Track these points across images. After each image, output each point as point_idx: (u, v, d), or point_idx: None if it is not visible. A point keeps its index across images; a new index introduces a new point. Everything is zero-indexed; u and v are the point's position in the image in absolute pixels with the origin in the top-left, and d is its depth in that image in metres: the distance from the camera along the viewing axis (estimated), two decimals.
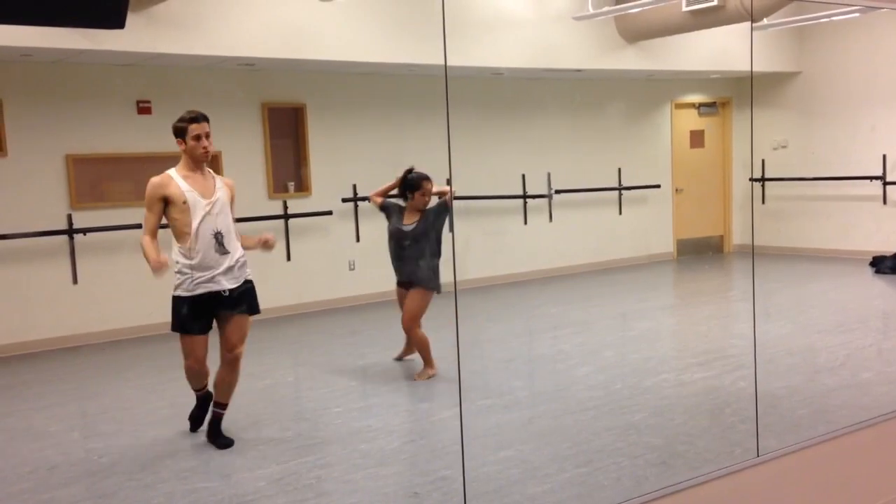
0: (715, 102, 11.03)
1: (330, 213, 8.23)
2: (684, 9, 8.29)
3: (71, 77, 6.88)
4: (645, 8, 7.93)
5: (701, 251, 11.11)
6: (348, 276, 8.41)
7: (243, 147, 7.80)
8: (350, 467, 4.01)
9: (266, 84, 7.86)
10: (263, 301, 7.78)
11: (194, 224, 4.06)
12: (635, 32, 8.85)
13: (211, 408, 4.37)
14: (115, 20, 2.46)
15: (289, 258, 8.10)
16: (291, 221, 8.06)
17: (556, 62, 8.47)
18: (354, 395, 5.19)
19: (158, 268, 3.96)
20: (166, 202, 4.09)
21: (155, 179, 4.12)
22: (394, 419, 4.72)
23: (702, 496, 3.03)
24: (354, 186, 8.41)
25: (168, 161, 7.52)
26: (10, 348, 6.64)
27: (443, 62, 8.37)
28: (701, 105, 10.95)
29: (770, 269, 9.35)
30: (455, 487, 3.73)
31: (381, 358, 6.05)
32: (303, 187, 8.22)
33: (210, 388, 4.35)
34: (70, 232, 6.87)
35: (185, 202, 4.07)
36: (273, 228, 7.99)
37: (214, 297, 4.14)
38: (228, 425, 4.65)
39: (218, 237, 4.13)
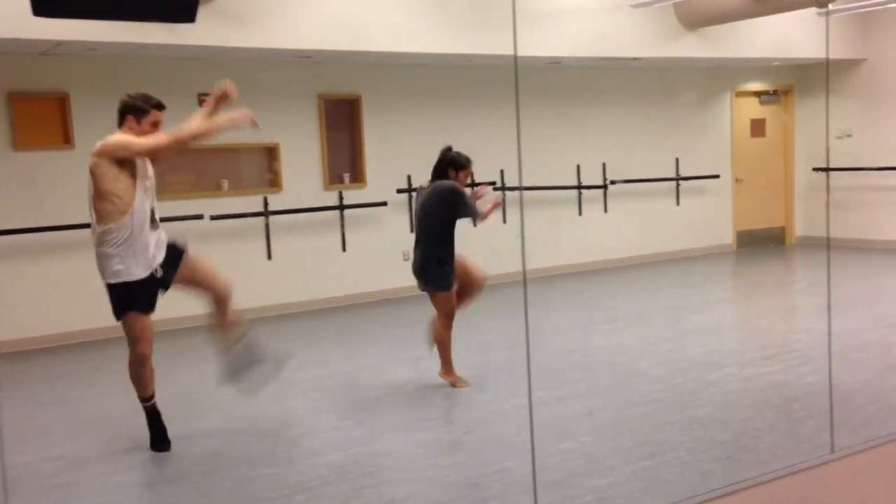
0: (776, 90, 10.75)
1: (385, 203, 8.26)
2: None
3: (134, 71, 7.02)
4: None
5: (762, 243, 10.86)
6: (403, 266, 8.40)
7: (300, 139, 7.87)
8: (410, 456, 4.01)
9: (322, 76, 7.91)
10: (319, 291, 7.93)
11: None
12: (695, 19, 8.67)
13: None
14: (187, 14, 2.49)
15: (344, 249, 8.15)
16: (346, 212, 8.11)
17: (613, 50, 8.35)
18: (411, 384, 5.20)
19: (244, 119, 3.89)
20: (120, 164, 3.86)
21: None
22: (452, 409, 4.71)
23: (776, 492, 2.95)
24: (409, 177, 8.42)
25: (224, 154, 7.65)
26: (77, 335, 6.83)
27: (500, 52, 8.34)
28: (762, 93, 10.68)
29: (836, 261, 8.99)
30: (516, 478, 3.71)
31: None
32: (358, 178, 8.26)
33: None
34: None
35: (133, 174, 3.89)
36: (329, 220, 8.07)
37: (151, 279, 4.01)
38: (288, 413, 4.70)
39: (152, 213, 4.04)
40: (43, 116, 6.67)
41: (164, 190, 7.26)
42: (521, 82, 8.88)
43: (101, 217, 3.94)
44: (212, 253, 7.39)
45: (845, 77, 10.20)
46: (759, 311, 7.31)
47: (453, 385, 5.00)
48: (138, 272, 3.95)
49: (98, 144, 3.97)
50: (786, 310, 7.47)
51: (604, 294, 8.24)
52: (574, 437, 4.12)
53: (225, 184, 7.56)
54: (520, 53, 7.72)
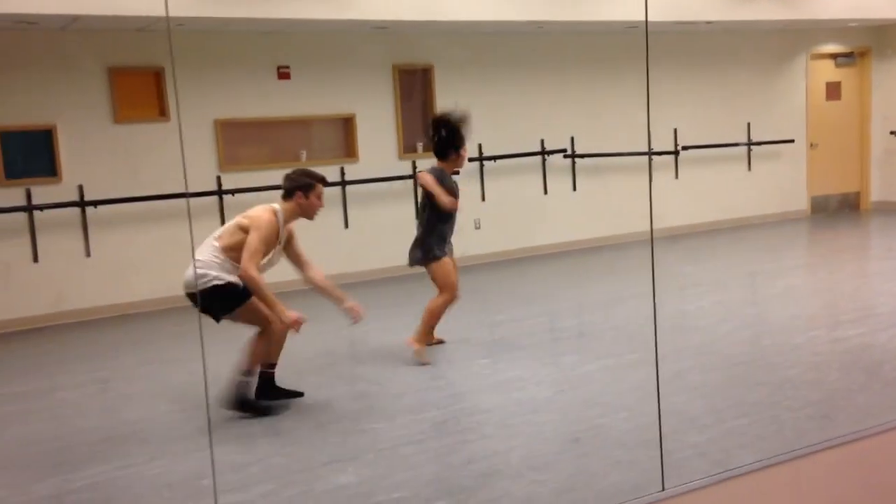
0: (853, 53, 10.47)
1: (456, 172, 8.33)
2: None
3: (218, 45, 7.23)
4: None
5: (836, 208, 10.67)
6: (474, 235, 8.54)
7: (375, 109, 8.01)
8: (507, 414, 4.15)
9: (397, 46, 8.01)
10: (397, 259, 8.08)
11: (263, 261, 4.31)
12: None
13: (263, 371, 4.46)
14: None
15: (417, 217, 8.28)
16: None
17: (688, 14, 8.26)
18: (496, 348, 5.33)
19: (295, 325, 4.23)
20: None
21: (274, 219, 4.33)
22: (540, 371, 4.82)
23: (881, 445, 3.01)
24: (480, 146, 8.51)
25: (302, 125, 7.81)
26: (167, 301, 7.12)
27: (572, 18, 8.26)
28: (838, 56, 10.42)
29: None
30: (612, 434, 3.83)
31: (513, 314, 6.18)
32: (431, 148, 8.35)
33: None
34: (220, 193, 7.27)
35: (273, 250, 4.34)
36: (403, 189, 8.21)
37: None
38: (381, 375, 4.87)
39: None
40: (140, 90, 6.93)
41: (243, 161, 7.52)
42: (593, 48, 8.85)
43: None
44: None
45: None
46: (838, 275, 7.24)
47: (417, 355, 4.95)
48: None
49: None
50: (866, 275, 7.38)
51: (678, 260, 8.22)
52: (666, 398, 4.18)
53: (303, 154, 7.76)
54: (597, 18, 7.71)
